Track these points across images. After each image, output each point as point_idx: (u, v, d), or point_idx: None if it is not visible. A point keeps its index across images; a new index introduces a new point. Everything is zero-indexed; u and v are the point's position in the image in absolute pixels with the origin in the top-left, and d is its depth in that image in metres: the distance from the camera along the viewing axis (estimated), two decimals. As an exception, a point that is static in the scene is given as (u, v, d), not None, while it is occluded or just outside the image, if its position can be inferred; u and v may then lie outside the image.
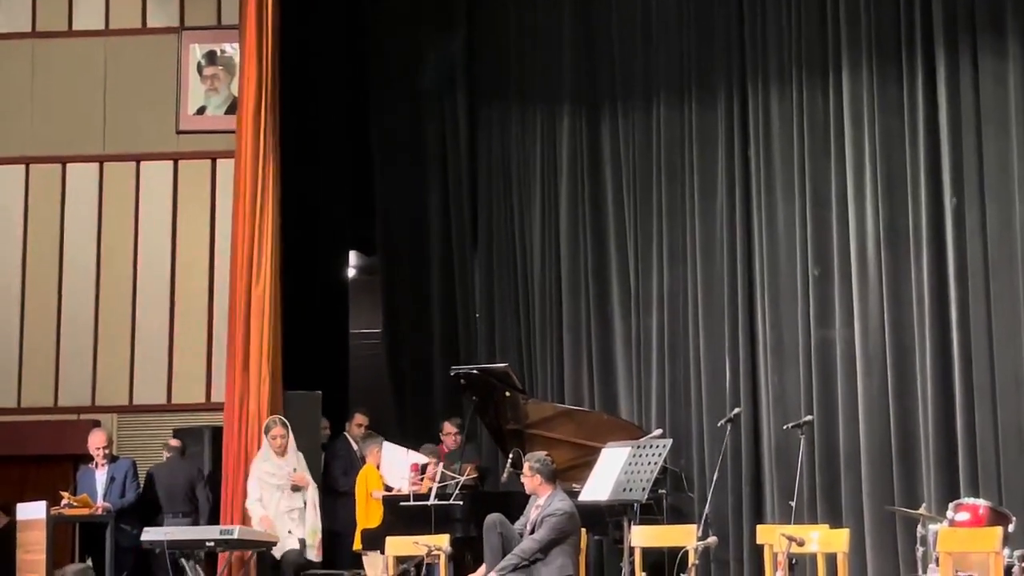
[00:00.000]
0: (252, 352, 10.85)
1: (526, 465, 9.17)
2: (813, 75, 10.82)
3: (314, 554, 10.26)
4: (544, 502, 9.03)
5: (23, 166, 12.71)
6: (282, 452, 10.35)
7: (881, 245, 10.31)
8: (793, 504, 9.53)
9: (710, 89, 11.34)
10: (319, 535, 10.33)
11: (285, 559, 10.17)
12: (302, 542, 10.25)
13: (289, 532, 10.24)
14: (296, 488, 10.32)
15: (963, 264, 9.96)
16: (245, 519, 10.42)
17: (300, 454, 10.53)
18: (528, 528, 9.00)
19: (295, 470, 10.38)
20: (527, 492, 9.15)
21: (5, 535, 11.97)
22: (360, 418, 11.67)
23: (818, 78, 10.78)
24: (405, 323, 12.96)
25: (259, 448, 10.52)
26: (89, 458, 10.90)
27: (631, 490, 8.50)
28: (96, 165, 12.66)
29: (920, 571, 8.52)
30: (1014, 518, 8.29)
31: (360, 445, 11.34)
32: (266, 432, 10.40)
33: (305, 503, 10.37)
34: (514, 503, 9.47)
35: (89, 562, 10.16)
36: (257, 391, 10.80)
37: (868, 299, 10.31)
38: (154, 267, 12.48)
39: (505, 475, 10.23)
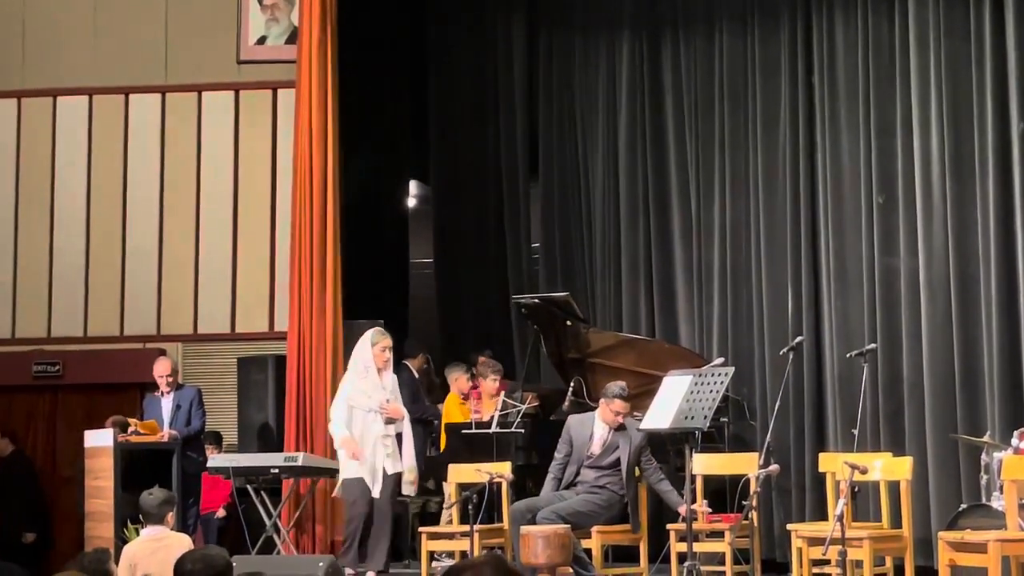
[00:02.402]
0: (315, 282, 10.91)
1: (625, 401, 9.12)
2: None
3: (411, 490, 9.70)
4: (612, 429, 9.09)
5: (86, 97, 12.80)
6: (386, 368, 9.57)
7: (946, 172, 10.17)
8: (856, 432, 9.50)
9: (773, 15, 11.20)
10: (416, 471, 9.67)
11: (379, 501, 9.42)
12: (398, 477, 9.47)
13: (383, 466, 9.38)
14: (390, 420, 9.50)
15: (1030, 191, 9.84)
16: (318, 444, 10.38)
17: (395, 376, 9.86)
18: (627, 459, 9.05)
19: (388, 401, 9.52)
20: (611, 423, 9.14)
21: (13, 462, 12.24)
22: (423, 358, 11.70)
23: (883, 2, 10.63)
24: (461, 252, 12.96)
25: (344, 369, 9.93)
26: (155, 386, 11.02)
27: (693, 418, 8.50)
28: (158, 96, 12.73)
29: (984, 499, 8.50)
30: (1080, 446, 8.23)
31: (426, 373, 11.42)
32: (372, 344, 9.49)
33: (399, 433, 9.53)
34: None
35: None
36: (320, 320, 10.86)
37: (933, 227, 10.20)
38: (217, 197, 12.57)
39: (567, 404, 10.27)
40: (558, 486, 9.22)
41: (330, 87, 11.04)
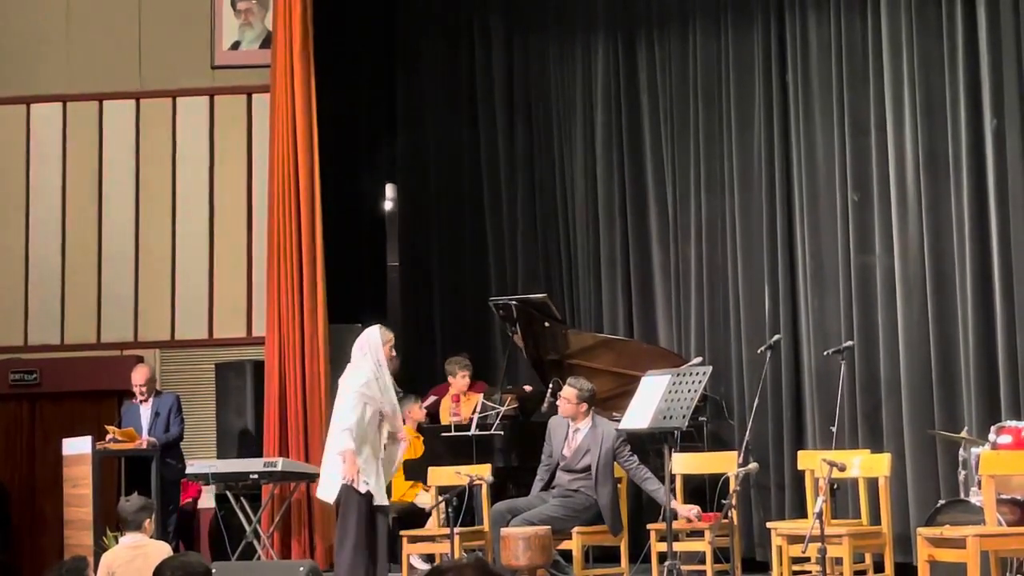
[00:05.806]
0: (293, 287, 10.89)
1: (572, 392, 9.19)
2: (851, -1, 10.73)
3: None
4: (585, 428, 9.11)
5: (60, 104, 12.76)
6: (391, 365, 9.02)
7: (920, 170, 10.21)
8: (834, 429, 9.54)
9: (747, 15, 11.23)
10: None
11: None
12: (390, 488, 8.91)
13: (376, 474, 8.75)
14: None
15: (1004, 187, 9.86)
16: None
17: None
18: (596, 463, 9.03)
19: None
20: (563, 415, 9.22)
21: None
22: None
23: (856, 2, 10.66)
24: (435, 254, 12.90)
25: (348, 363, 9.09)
26: (133, 393, 10.98)
27: (671, 418, 8.51)
28: (132, 102, 12.69)
29: (962, 494, 8.53)
30: (1056, 440, 8.27)
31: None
32: (384, 342, 8.90)
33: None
34: (554, 433, 9.51)
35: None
36: (299, 325, 10.84)
37: (908, 224, 10.24)
38: (193, 203, 12.53)
39: (545, 405, 10.28)
40: (543, 487, 9.25)
41: (306, 91, 11.03)
